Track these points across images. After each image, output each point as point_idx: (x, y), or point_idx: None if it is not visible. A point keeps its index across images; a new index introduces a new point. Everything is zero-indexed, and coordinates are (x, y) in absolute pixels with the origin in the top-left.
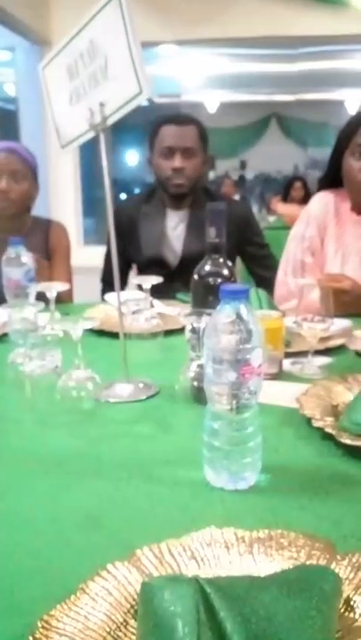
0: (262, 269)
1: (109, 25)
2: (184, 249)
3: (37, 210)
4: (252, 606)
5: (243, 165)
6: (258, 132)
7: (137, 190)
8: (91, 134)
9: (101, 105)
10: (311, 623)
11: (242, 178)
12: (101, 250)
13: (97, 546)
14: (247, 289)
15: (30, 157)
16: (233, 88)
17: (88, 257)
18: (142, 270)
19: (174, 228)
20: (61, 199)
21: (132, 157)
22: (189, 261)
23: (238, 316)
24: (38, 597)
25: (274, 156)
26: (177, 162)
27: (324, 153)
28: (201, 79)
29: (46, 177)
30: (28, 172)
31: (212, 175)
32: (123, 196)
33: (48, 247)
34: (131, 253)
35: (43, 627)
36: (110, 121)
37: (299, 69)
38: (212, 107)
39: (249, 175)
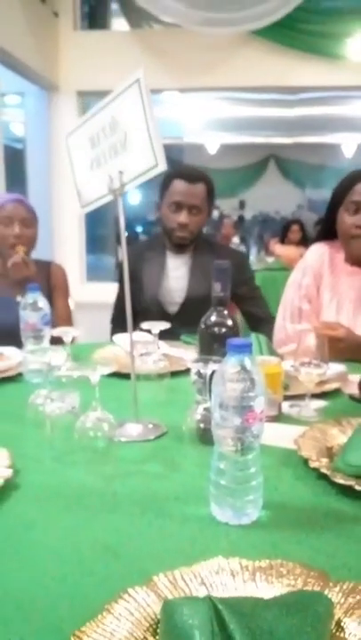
0: (254, 307)
1: (130, 105)
2: (188, 291)
3: (41, 247)
4: (257, 621)
5: (242, 205)
6: (257, 172)
7: (139, 228)
8: (109, 198)
9: (120, 173)
10: (307, 638)
11: (241, 218)
12: (103, 286)
13: (116, 574)
14: (251, 343)
15: (32, 207)
16: (233, 130)
17: (91, 293)
18: (144, 311)
19: (176, 270)
20: (65, 237)
21: (135, 196)
22: (192, 303)
23: (243, 367)
24: (66, 618)
25: (272, 196)
26: (183, 217)
27: (321, 194)
28: (202, 122)
29: (50, 215)
30: (33, 218)
31: (214, 214)
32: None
33: (49, 286)
34: (134, 296)
35: None
36: (128, 187)
37: (297, 114)
38: (212, 148)
39: (248, 215)
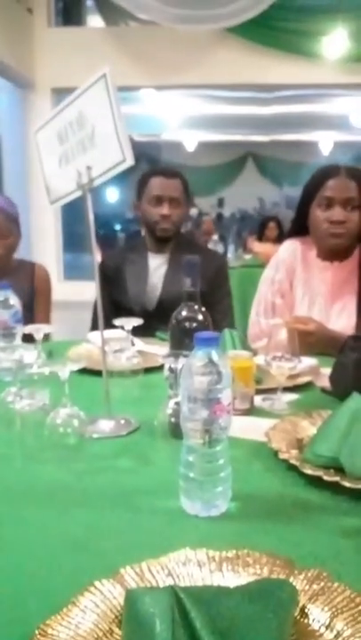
0: (217, 314)
1: (97, 99)
2: (163, 291)
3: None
4: (218, 608)
5: (220, 203)
6: (235, 170)
7: (117, 226)
8: (78, 193)
9: (88, 168)
10: (268, 624)
11: (220, 216)
12: (81, 284)
13: (85, 567)
14: (218, 336)
15: (12, 209)
16: (210, 128)
17: (68, 292)
18: (127, 312)
19: (156, 270)
20: (42, 235)
21: (113, 194)
22: (168, 303)
23: (210, 360)
24: (34, 612)
25: (250, 193)
26: (165, 209)
27: (298, 191)
28: (180, 119)
29: (27, 213)
30: (12, 225)
31: (193, 211)
32: (102, 232)
33: (33, 288)
34: (117, 297)
35: (40, 634)
36: (96, 183)
37: (273, 112)
38: (190, 146)
39: (226, 213)
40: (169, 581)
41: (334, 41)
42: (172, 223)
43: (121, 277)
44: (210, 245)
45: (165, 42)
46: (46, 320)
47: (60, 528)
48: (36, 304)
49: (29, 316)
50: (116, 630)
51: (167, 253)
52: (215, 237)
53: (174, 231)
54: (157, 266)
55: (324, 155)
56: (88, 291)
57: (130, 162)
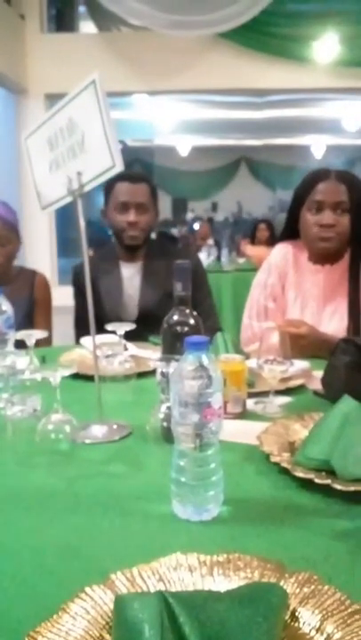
0: (199, 314)
1: (87, 106)
2: (141, 301)
3: None
4: (207, 613)
5: (214, 207)
6: (228, 174)
7: (110, 231)
8: (68, 199)
9: (79, 174)
10: (258, 628)
11: (210, 220)
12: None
13: (76, 573)
14: (208, 340)
15: (12, 216)
16: (204, 133)
17: (62, 297)
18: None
19: (131, 279)
20: (36, 240)
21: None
22: (148, 311)
23: (201, 364)
24: (24, 619)
25: (243, 198)
26: (131, 216)
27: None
28: (173, 124)
29: (20, 219)
30: (11, 233)
31: (189, 215)
32: (96, 236)
33: (32, 297)
34: (95, 311)
35: None
36: (86, 188)
37: (265, 116)
38: (183, 150)
39: (219, 217)
40: (160, 586)
41: (325, 45)
42: (140, 230)
43: (95, 289)
44: (204, 249)
45: (158, 47)
46: (47, 328)
47: (51, 533)
48: (36, 314)
49: (29, 324)
50: (107, 637)
51: (140, 261)
52: (210, 242)
53: (143, 238)
54: (131, 275)
55: (316, 158)
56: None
57: (119, 167)
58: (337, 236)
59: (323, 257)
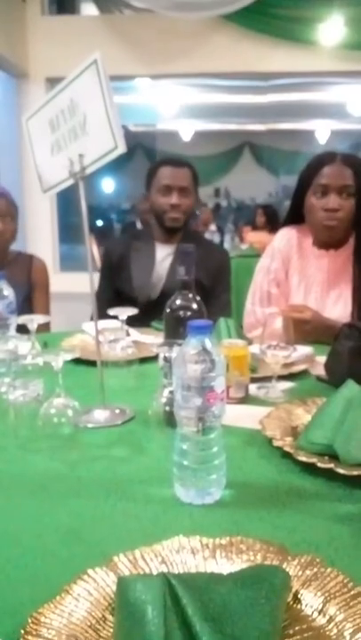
0: (213, 309)
1: (88, 86)
2: (166, 282)
3: None
4: (210, 595)
5: (217, 193)
6: (231, 160)
7: (113, 216)
8: (70, 181)
9: (80, 156)
10: (260, 609)
11: (218, 206)
12: (77, 276)
13: (78, 556)
14: (211, 324)
15: (12, 198)
16: (207, 117)
17: (64, 283)
18: (132, 301)
19: (162, 261)
20: (37, 226)
21: (108, 184)
22: (171, 294)
23: (203, 348)
24: (27, 601)
25: (247, 183)
26: (174, 199)
27: (295, 181)
28: (176, 109)
29: (22, 204)
30: (13, 212)
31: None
32: (99, 223)
33: (30, 280)
34: (121, 286)
35: (32, 622)
36: (88, 171)
37: (269, 100)
38: (186, 135)
39: (223, 203)
40: (162, 569)
41: (331, 28)
42: (181, 212)
43: (125, 266)
44: (207, 236)
45: (160, 30)
46: (46, 313)
47: (54, 517)
48: (34, 297)
49: (28, 308)
50: (110, 618)
51: (175, 244)
52: (213, 228)
53: (183, 220)
54: (164, 256)
55: (320, 143)
56: (84, 282)
57: (122, 149)
58: (341, 223)
59: (328, 242)
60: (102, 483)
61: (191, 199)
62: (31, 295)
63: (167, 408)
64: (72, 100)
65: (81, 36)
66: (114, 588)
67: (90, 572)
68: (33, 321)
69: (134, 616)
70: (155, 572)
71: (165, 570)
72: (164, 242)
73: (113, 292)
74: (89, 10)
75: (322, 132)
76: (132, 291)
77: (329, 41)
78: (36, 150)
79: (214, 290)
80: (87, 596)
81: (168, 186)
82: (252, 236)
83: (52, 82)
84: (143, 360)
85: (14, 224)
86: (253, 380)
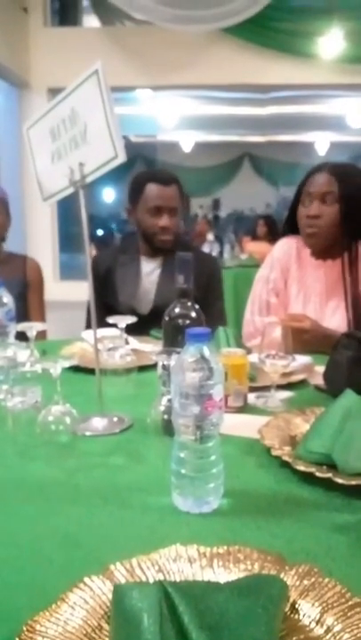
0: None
1: (89, 96)
2: (157, 295)
3: (14, 245)
4: (206, 603)
5: (216, 204)
6: (231, 171)
7: (113, 226)
8: (70, 190)
9: (81, 165)
10: (257, 619)
11: (216, 217)
12: (77, 284)
13: (75, 563)
14: (209, 332)
15: (2, 192)
16: (207, 129)
17: (64, 292)
18: (117, 314)
19: (149, 275)
20: (38, 235)
21: (109, 194)
22: (162, 307)
23: (202, 356)
24: (23, 607)
25: (247, 194)
26: (165, 221)
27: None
28: (176, 120)
29: (23, 213)
30: (2, 205)
31: (200, 212)
32: (99, 232)
33: (25, 280)
34: (109, 300)
35: (27, 630)
36: (89, 179)
37: (269, 112)
38: (187, 146)
39: (222, 213)
40: (159, 577)
41: (330, 41)
42: (171, 233)
43: (112, 280)
44: (205, 246)
45: (161, 42)
46: (41, 314)
47: (51, 524)
48: (29, 299)
49: (22, 308)
50: (105, 626)
51: (161, 257)
52: (211, 238)
53: (173, 241)
54: (150, 270)
55: (320, 155)
56: (84, 290)
57: (122, 158)
58: (321, 230)
59: (324, 252)
60: (100, 490)
61: (179, 216)
62: (26, 295)
63: (165, 416)
64: (73, 110)
65: (83, 48)
66: (110, 596)
67: (86, 580)
68: (32, 328)
69: (130, 624)
70: (151, 581)
71: (162, 578)
72: (150, 256)
73: (102, 303)
74: (91, 21)
75: (321, 143)
76: (118, 305)
77: (328, 54)
78: (36, 159)
79: (207, 299)
80: (83, 604)
81: (158, 207)
82: (252, 246)
83: (54, 92)
84: (142, 368)
85: (2, 217)
86: (252, 389)
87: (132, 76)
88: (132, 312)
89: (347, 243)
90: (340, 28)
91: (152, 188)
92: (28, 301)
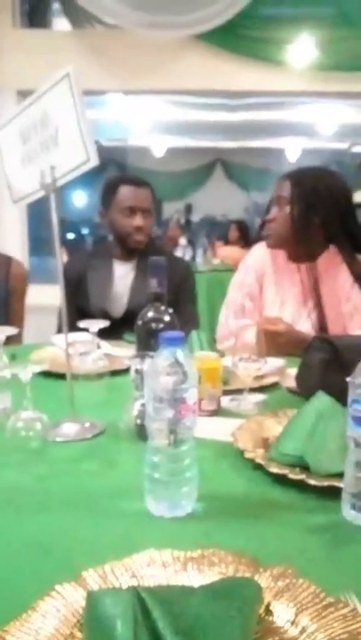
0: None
1: (61, 100)
2: (130, 299)
3: None
4: (181, 607)
5: (188, 209)
6: (204, 176)
7: (85, 230)
8: (41, 193)
9: (52, 168)
10: (232, 622)
11: (188, 221)
12: (48, 288)
13: (46, 571)
14: (183, 336)
15: None
16: (179, 134)
17: (34, 296)
18: (90, 317)
19: (122, 278)
20: (7, 237)
21: (80, 198)
22: (135, 310)
23: (176, 360)
24: None
25: (219, 199)
26: (139, 221)
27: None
28: (148, 125)
29: None
30: None
31: (175, 216)
32: (70, 236)
33: (7, 286)
34: (80, 304)
35: None
36: (60, 183)
37: (240, 118)
38: (158, 151)
39: (195, 218)
40: (133, 583)
41: (300, 49)
42: (145, 235)
43: (84, 283)
44: (178, 251)
45: (133, 46)
46: (20, 320)
47: (21, 531)
48: (10, 305)
49: (4, 316)
50: (78, 634)
51: (134, 261)
52: (183, 242)
53: (146, 242)
54: (124, 274)
55: (290, 161)
56: (55, 294)
57: (94, 162)
58: (274, 232)
59: (298, 256)
60: (72, 497)
61: (152, 219)
62: (7, 300)
63: (138, 421)
64: (44, 113)
65: (53, 50)
66: (83, 603)
67: (58, 587)
68: (2, 332)
69: (103, 631)
70: (125, 587)
71: (136, 584)
72: (122, 259)
73: (75, 308)
74: (61, 24)
75: (292, 150)
76: (90, 309)
77: (299, 62)
78: (6, 161)
79: (179, 302)
80: (55, 612)
81: (132, 207)
82: (225, 251)
83: (24, 94)
84: (114, 373)
85: None
86: (225, 393)
87: (103, 80)
88: (105, 315)
89: (311, 246)
90: (311, 35)
91: (125, 190)
92: (10, 310)
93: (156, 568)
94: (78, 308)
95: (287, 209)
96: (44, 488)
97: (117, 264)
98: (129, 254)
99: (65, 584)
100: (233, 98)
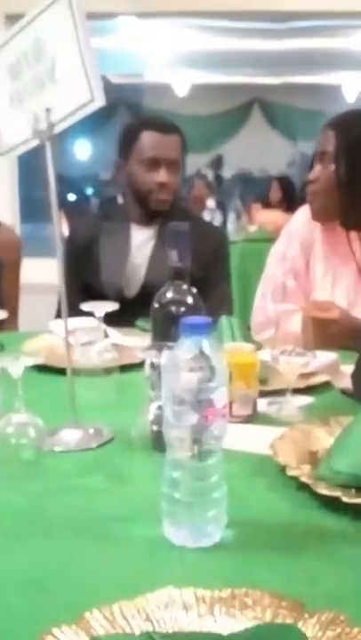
0: (211, 302)
1: (58, 24)
2: (148, 273)
3: None
4: None
5: (218, 162)
6: (237, 121)
7: (89, 190)
8: (35, 142)
9: (48, 110)
10: None
11: (218, 178)
12: (45, 263)
13: (40, 611)
14: (210, 322)
15: None
16: (207, 68)
17: (28, 271)
18: (100, 296)
19: (140, 247)
20: None
21: (83, 150)
22: (154, 289)
23: (201, 352)
24: None
25: (257, 150)
26: (163, 176)
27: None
28: (168, 56)
29: None
30: None
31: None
32: (71, 197)
33: None
34: (88, 280)
35: None
36: (58, 129)
37: (287, 47)
38: (181, 90)
39: (226, 174)
40: (147, 627)
41: None
42: (170, 192)
43: (93, 254)
44: (205, 215)
45: None
46: (14, 301)
47: (13, 564)
48: (2, 280)
49: None
50: None
51: (156, 226)
52: (212, 204)
53: (171, 202)
54: (143, 242)
55: (348, 102)
56: (52, 270)
57: (100, 102)
58: (316, 197)
59: (350, 224)
60: (73, 520)
61: (179, 175)
62: None
63: (155, 427)
64: (38, 41)
65: None
66: None
67: (55, 631)
68: None
69: None
70: (137, 632)
71: (150, 629)
72: (142, 223)
73: (81, 286)
74: None
75: (350, 87)
76: (101, 285)
77: None
78: None
79: (209, 279)
80: None
81: (155, 159)
82: (264, 215)
83: (13, 19)
84: (125, 368)
85: None
86: (263, 394)
87: (114, 0)
88: (119, 294)
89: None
90: None
91: (148, 136)
92: (1, 283)
93: (175, 610)
94: (84, 285)
95: (332, 167)
96: (39, 509)
97: (136, 229)
98: (149, 218)
99: (64, 627)
100: (276, 21)
